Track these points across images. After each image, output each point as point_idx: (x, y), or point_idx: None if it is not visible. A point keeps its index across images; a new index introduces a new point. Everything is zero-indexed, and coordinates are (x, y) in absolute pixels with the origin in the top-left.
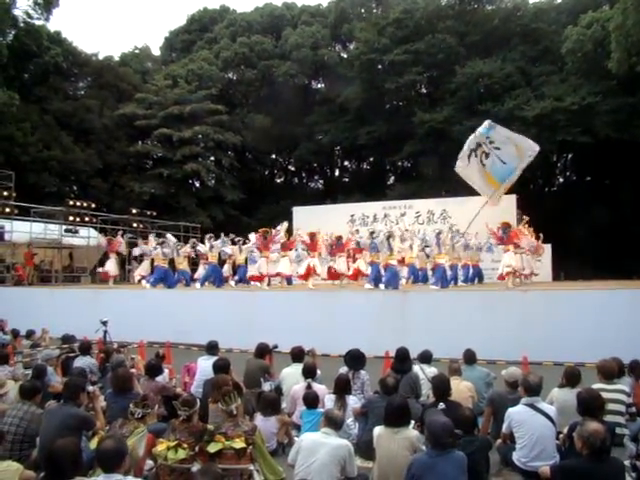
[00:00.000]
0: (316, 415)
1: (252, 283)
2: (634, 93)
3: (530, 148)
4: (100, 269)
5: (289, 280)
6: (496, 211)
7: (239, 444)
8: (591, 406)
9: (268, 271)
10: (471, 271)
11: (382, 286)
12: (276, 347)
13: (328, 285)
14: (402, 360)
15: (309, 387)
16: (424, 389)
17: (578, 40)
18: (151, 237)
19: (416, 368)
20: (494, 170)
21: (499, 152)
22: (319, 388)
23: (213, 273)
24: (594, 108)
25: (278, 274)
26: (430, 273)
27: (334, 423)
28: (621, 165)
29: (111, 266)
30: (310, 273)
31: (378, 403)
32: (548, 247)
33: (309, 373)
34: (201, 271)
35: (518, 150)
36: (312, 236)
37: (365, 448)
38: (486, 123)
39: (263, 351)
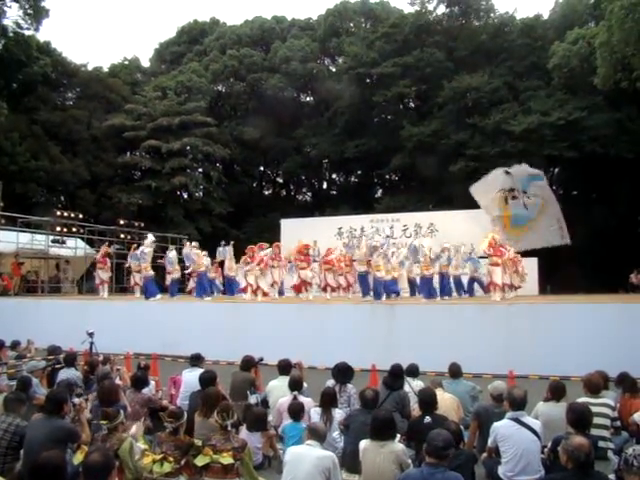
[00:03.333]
0: (299, 429)
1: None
2: (619, 108)
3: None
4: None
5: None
6: (484, 224)
7: (227, 459)
8: (584, 420)
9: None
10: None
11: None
12: (262, 360)
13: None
14: (395, 377)
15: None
16: (411, 402)
17: (564, 56)
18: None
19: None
20: (515, 212)
21: (528, 200)
22: (305, 401)
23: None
24: (580, 123)
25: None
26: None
27: (318, 435)
28: (607, 180)
29: (105, 275)
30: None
31: (357, 417)
32: (534, 261)
33: (295, 386)
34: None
35: (544, 206)
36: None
37: (350, 461)
38: (528, 171)
39: (249, 364)
